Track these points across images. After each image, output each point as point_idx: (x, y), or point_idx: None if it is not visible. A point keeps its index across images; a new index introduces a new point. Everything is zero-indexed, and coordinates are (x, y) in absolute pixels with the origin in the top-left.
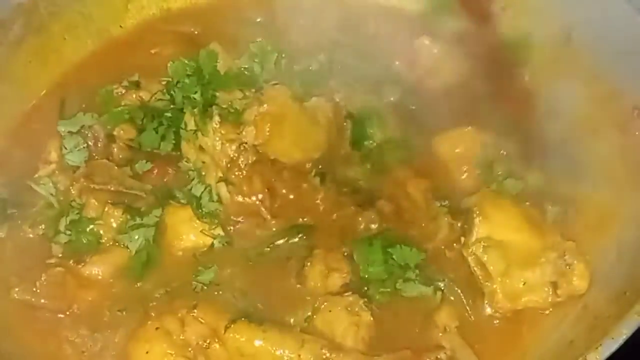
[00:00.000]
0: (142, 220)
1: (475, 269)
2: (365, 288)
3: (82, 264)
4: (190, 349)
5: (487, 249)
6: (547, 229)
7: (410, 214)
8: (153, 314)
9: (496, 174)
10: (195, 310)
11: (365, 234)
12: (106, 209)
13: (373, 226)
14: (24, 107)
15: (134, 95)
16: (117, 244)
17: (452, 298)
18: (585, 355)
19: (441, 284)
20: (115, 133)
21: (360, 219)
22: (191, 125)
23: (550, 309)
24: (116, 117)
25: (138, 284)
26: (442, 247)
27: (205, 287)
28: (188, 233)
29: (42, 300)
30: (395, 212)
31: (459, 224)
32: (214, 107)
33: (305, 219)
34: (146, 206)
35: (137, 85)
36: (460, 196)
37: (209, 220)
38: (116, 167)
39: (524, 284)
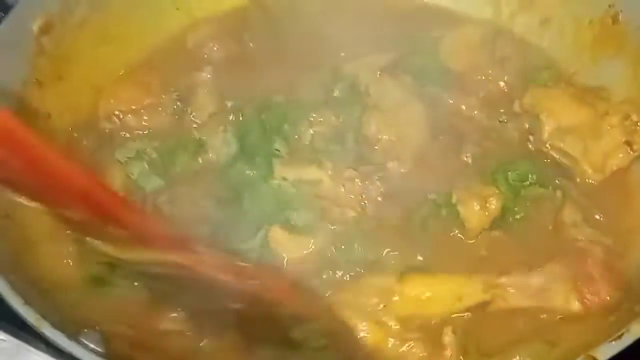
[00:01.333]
0: None
1: (561, 158)
2: None
3: None
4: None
5: (562, 137)
6: (593, 100)
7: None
8: None
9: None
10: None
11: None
12: None
13: (468, 159)
14: None
15: (200, 159)
16: None
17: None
18: None
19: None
20: None
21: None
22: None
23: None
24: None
25: None
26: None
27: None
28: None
29: None
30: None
31: (526, 125)
32: None
33: None
34: None
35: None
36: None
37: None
38: None
39: (604, 153)
